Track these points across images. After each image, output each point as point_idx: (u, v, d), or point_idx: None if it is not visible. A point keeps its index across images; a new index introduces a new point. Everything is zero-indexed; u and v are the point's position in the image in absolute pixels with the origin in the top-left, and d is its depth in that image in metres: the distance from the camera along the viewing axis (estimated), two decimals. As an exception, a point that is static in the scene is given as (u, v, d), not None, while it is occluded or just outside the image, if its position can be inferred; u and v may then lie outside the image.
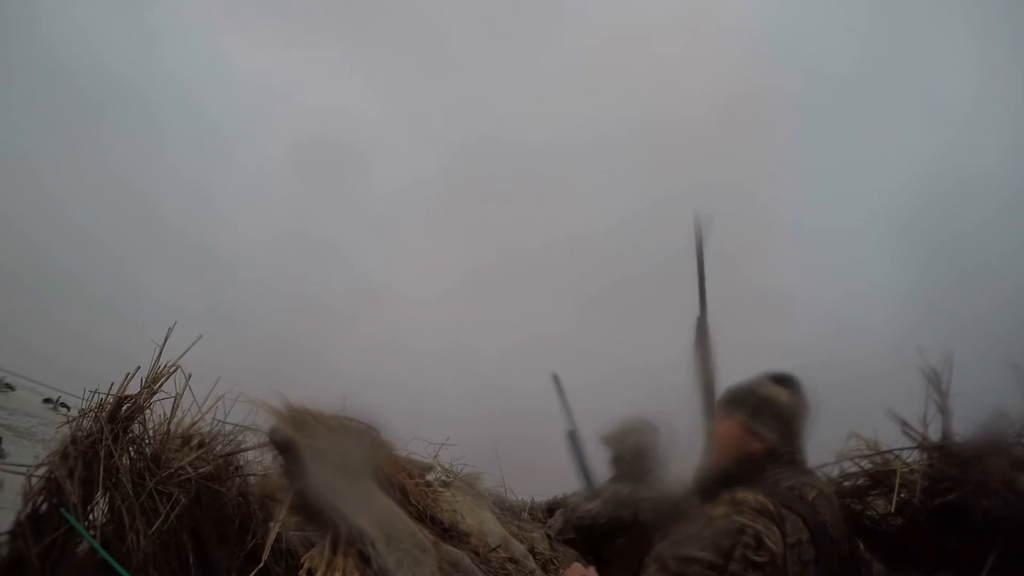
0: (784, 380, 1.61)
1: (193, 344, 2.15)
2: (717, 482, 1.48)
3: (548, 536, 3.63)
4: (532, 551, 3.06)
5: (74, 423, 2.09)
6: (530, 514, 3.92)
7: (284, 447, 1.62)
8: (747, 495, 1.32)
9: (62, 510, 1.92)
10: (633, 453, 2.80)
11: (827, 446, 1.78)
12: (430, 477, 2.79)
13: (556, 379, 3.23)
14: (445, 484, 2.95)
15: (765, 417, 1.55)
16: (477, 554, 2.15)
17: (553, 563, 3.32)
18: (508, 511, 3.67)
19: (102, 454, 1.97)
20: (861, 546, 1.68)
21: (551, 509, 4.13)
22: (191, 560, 2.05)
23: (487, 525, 2.89)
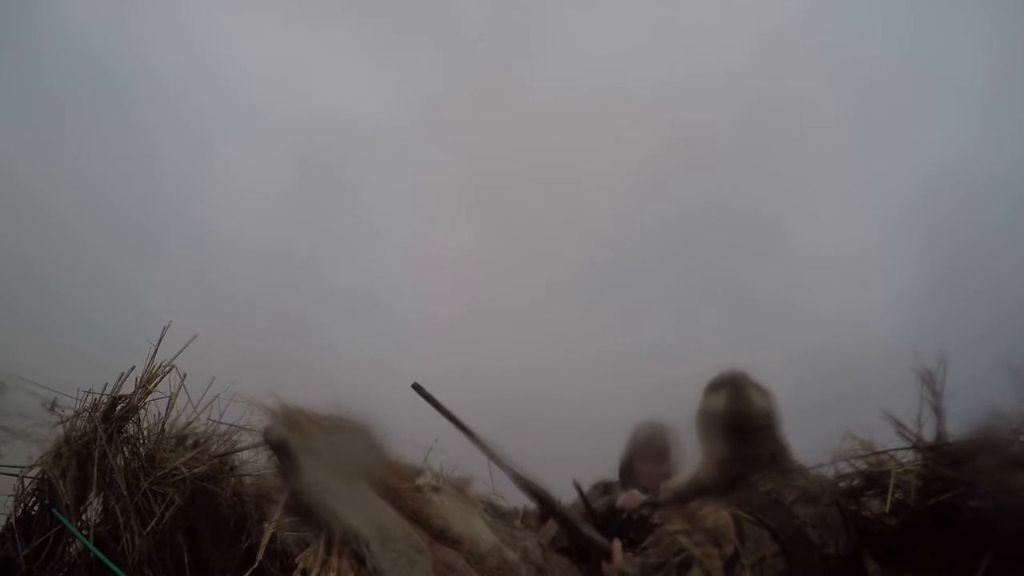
0: (714, 384, 1.48)
1: (189, 343, 2.14)
2: (696, 493, 1.41)
3: (541, 545, 3.61)
4: (525, 559, 3.04)
5: (68, 423, 2.08)
6: (523, 522, 3.90)
7: (279, 447, 1.61)
8: (709, 512, 1.26)
9: (54, 511, 1.91)
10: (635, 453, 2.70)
11: (823, 443, 1.77)
12: (420, 482, 2.77)
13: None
14: (435, 489, 2.93)
15: (708, 432, 1.46)
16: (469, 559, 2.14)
17: (546, 572, 3.30)
18: (500, 518, 3.65)
19: (96, 454, 1.97)
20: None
21: (544, 517, 4.10)
22: (186, 560, 2.04)
23: (478, 532, 2.86)
